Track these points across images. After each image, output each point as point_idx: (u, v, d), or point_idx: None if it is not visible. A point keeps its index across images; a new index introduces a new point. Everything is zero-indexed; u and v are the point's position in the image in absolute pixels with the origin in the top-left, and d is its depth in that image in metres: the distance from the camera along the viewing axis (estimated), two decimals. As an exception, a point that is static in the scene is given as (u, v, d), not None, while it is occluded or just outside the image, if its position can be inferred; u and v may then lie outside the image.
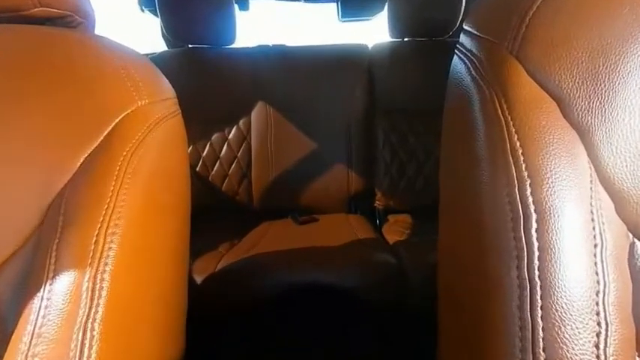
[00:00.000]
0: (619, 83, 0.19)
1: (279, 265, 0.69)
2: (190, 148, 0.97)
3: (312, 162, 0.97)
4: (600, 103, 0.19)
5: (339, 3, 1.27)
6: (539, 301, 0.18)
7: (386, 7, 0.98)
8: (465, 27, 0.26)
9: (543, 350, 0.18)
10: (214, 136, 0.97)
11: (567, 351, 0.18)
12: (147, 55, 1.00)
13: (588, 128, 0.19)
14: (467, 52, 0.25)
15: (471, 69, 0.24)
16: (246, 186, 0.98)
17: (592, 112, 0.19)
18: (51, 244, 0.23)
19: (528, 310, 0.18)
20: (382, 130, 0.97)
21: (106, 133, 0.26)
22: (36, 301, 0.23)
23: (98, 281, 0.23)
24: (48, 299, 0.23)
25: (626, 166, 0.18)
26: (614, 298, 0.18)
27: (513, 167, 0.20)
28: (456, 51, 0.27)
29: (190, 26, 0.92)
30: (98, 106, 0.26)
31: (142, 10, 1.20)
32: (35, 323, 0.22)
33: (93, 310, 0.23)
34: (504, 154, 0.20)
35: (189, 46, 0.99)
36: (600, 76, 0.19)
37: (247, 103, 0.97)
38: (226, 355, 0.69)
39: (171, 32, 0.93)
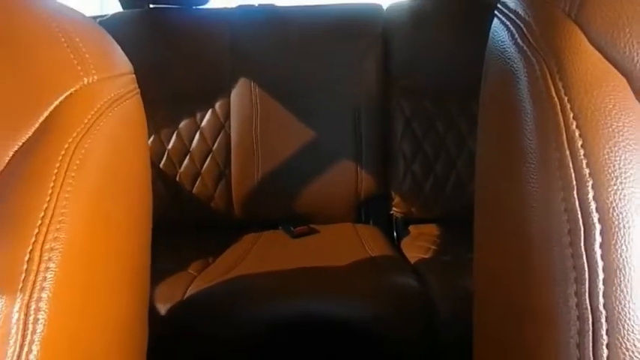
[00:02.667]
0: None
1: (266, 292, 0.69)
2: (152, 138, 0.97)
3: (310, 157, 0.97)
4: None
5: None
6: (605, 337, 0.18)
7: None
8: None
9: (606, 347, 0.18)
10: (183, 123, 0.97)
11: (627, 317, 0.18)
12: (95, 18, 1.00)
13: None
14: (511, 14, 0.25)
15: (517, 36, 0.24)
16: (225, 188, 0.98)
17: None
18: None
19: (590, 349, 0.19)
20: (401, 116, 0.97)
21: (41, 119, 0.26)
22: None
23: (32, 312, 0.23)
24: None
25: None
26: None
27: (571, 164, 0.20)
28: (496, 12, 0.27)
29: None
30: (31, 84, 0.26)
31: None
32: None
33: (25, 349, 0.23)
34: (560, 147, 0.20)
35: (150, 5, 1.00)
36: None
37: (225, 79, 0.98)
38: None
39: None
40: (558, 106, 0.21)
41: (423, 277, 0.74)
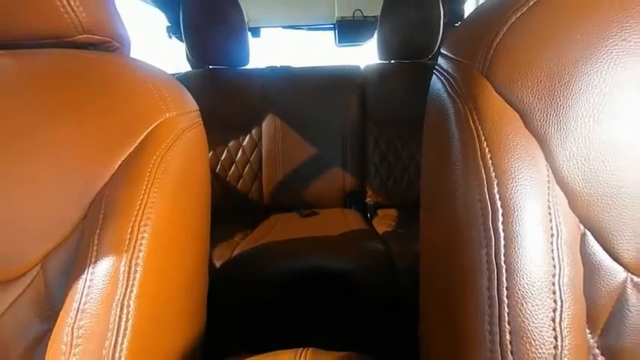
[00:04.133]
0: (572, 99, 0.19)
1: (286, 252, 0.69)
2: (211, 153, 0.97)
3: (314, 164, 0.97)
4: (556, 115, 0.19)
5: (336, 31, 1.27)
6: (505, 282, 0.18)
7: (376, 34, 0.98)
8: (442, 51, 0.26)
9: (508, 324, 0.18)
10: (231, 143, 0.97)
11: (528, 324, 0.18)
12: (173, 74, 1.00)
13: (546, 137, 0.19)
14: (444, 72, 0.25)
15: (447, 87, 0.24)
16: (258, 185, 0.98)
17: (549, 123, 0.19)
18: (93, 234, 0.24)
19: (496, 289, 0.18)
20: (372, 138, 0.97)
21: (139, 140, 0.26)
22: (80, 282, 0.23)
23: (133, 265, 0.23)
24: (91, 280, 0.23)
25: (578, 168, 0.18)
26: (568, 280, 0.18)
27: (483, 170, 0.20)
28: (434, 71, 0.27)
29: (210, 50, 0.93)
30: (131, 117, 0.26)
31: (170, 37, 1.20)
32: (80, 301, 0.22)
33: (129, 289, 0.23)
34: (475, 159, 0.20)
35: (210, 67, 0.99)
36: (556, 93, 0.19)
37: (258, 115, 0.97)
38: (240, 335, 0.69)
39: (194, 55, 0.93)
40: (475, 133, 0.20)
41: (387, 243, 0.74)
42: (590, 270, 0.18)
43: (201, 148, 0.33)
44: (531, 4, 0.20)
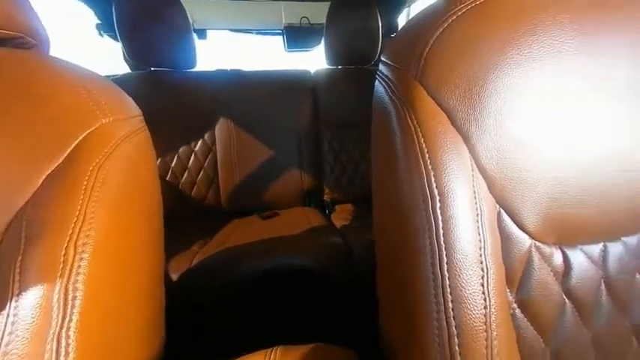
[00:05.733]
0: (485, 101, 0.22)
1: (248, 255, 0.66)
2: (159, 160, 0.88)
3: (271, 166, 0.95)
4: (474, 115, 0.22)
5: (285, 36, 1.26)
6: (445, 258, 0.20)
7: (323, 41, 1.00)
8: (382, 58, 0.28)
9: (450, 294, 0.20)
10: (181, 149, 0.90)
11: (465, 292, 0.20)
12: (109, 76, 0.89)
13: (468, 133, 0.22)
14: (384, 78, 0.26)
15: (389, 91, 0.25)
16: (215, 191, 0.92)
17: (469, 121, 0.22)
18: (13, 262, 0.19)
19: (438, 266, 0.20)
20: (326, 139, 0.99)
21: (69, 150, 0.22)
22: (1, 320, 0.19)
23: (70, 291, 0.20)
24: (14, 315, 0.19)
25: (492, 157, 0.21)
26: (491, 250, 0.21)
27: (422, 163, 0.22)
28: (377, 77, 0.28)
29: (151, 51, 0.84)
30: (57, 123, 0.22)
31: (101, 35, 1.06)
32: (1, 342, 0.19)
33: (67, 319, 0.20)
34: (415, 153, 0.22)
35: (152, 69, 0.90)
36: (473, 96, 0.22)
37: (210, 119, 0.92)
38: (208, 343, 0.65)
39: (132, 56, 0.84)
40: (413, 131, 0.22)
41: (345, 236, 0.76)
42: (505, 240, 0.21)
43: (147, 155, 0.30)
44: (450, 21, 0.23)
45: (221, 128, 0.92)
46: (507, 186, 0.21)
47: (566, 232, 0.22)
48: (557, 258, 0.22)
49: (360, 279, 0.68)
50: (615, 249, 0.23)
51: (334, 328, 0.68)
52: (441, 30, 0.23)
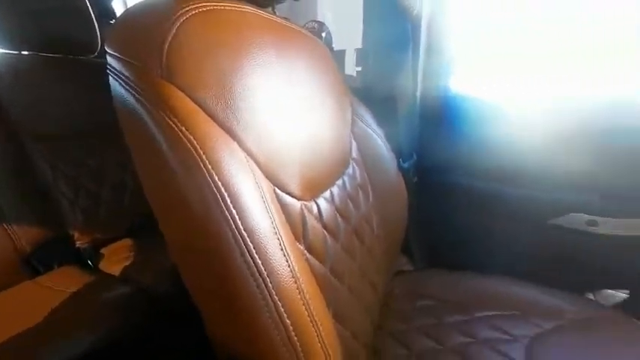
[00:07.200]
0: (237, 99, 0.24)
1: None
2: None
3: None
4: (232, 112, 0.24)
5: None
6: (251, 244, 0.22)
7: None
8: (109, 50, 0.23)
9: (265, 271, 0.22)
10: None
11: (273, 262, 0.23)
12: None
13: (232, 129, 0.24)
14: (119, 74, 0.22)
15: (132, 92, 0.22)
16: None
17: (230, 119, 0.24)
18: None
19: (247, 253, 0.22)
20: (45, 161, 0.65)
21: None
22: None
23: None
24: None
25: (258, 146, 0.25)
26: (279, 220, 0.25)
27: (201, 164, 0.21)
28: (109, 73, 0.23)
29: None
30: None
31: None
32: None
33: None
34: (191, 158, 0.21)
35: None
36: (227, 95, 0.24)
37: None
38: None
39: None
40: (179, 132, 0.21)
41: (132, 277, 0.58)
42: (284, 208, 0.27)
43: None
44: (183, 20, 0.23)
45: None
46: (274, 167, 0.26)
47: (313, 188, 0.32)
48: (314, 207, 0.32)
49: (178, 309, 0.57)
50: (335, 190, 0.36)
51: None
52: (176, 27, 0.22)
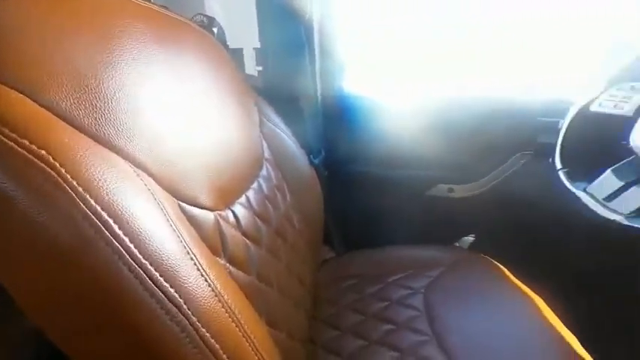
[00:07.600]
0: (99, 100, 0.20)
1: None
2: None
3: None
4: (105, 117, 0.19)
5: None
6: (155, 272, 0.18)
7: None
8: None
9: (169, 286, 0.18)
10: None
11: (189, 286, 0.20)
12: None
13: (108, 137, 0.19)
14: None
15: None
16: None
17: (103, 125, 0.19)
18: None
19: (144, 274, 0.18)
20: None
21: None
22: None
23: None
24: None
25: (148, 154, 0.21)
26: (189, 237, 0.22)
27: (65, 186, 0.16)
28: None
29: None
30: None
31: None
32: None
33: None
34: (47, 179, 0.15)
35: None
36: (86, 96, 0.19)
37: None
38: None
39: None
40: (25, 152, 0.15)
41: None
42: (196, 222, 0.24)
43: None
44: None
45: None
46: (173, 177, 0.23)
47: (226, 195, 0.29)
48: (231, 216, 0.29)
49: None
50: (251, 194, 0.35)
51: None
52: None
